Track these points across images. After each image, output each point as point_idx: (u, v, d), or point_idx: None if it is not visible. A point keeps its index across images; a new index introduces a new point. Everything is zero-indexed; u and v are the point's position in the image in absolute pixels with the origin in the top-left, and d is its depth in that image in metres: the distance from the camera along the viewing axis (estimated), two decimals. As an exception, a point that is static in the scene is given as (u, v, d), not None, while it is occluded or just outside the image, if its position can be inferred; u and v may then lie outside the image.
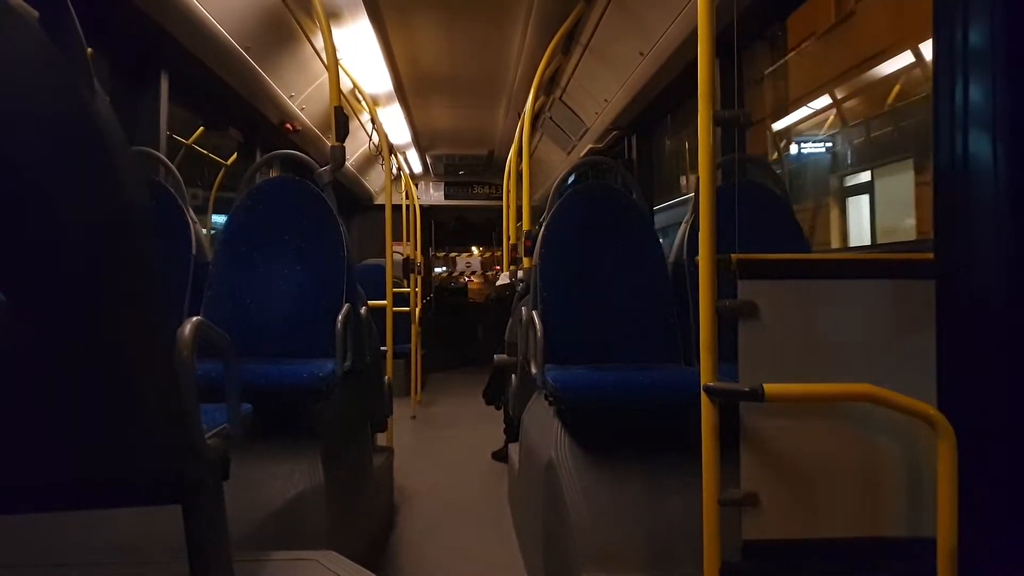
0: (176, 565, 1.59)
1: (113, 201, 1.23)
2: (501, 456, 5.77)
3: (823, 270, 1.87)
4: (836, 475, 1.80)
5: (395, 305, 5.54)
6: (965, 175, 1.66)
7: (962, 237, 1.69)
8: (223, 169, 6.11)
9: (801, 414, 1.79)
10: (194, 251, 3.35)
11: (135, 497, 1.53)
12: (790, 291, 1.80)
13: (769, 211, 3.28)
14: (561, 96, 6.23)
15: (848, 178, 8.27)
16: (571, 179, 4.16)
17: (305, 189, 3.34)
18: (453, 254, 15.37)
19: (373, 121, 6.58)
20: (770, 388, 1.62)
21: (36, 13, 1.14)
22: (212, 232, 5.35)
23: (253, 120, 5.33)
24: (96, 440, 1.37)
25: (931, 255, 1.76)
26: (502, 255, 8.89)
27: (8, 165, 1.14)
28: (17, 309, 1.06)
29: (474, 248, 15.48)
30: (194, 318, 1.47)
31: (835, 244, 7.97)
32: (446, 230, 14.39)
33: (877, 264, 1.91)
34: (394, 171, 7.38)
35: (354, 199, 9.96)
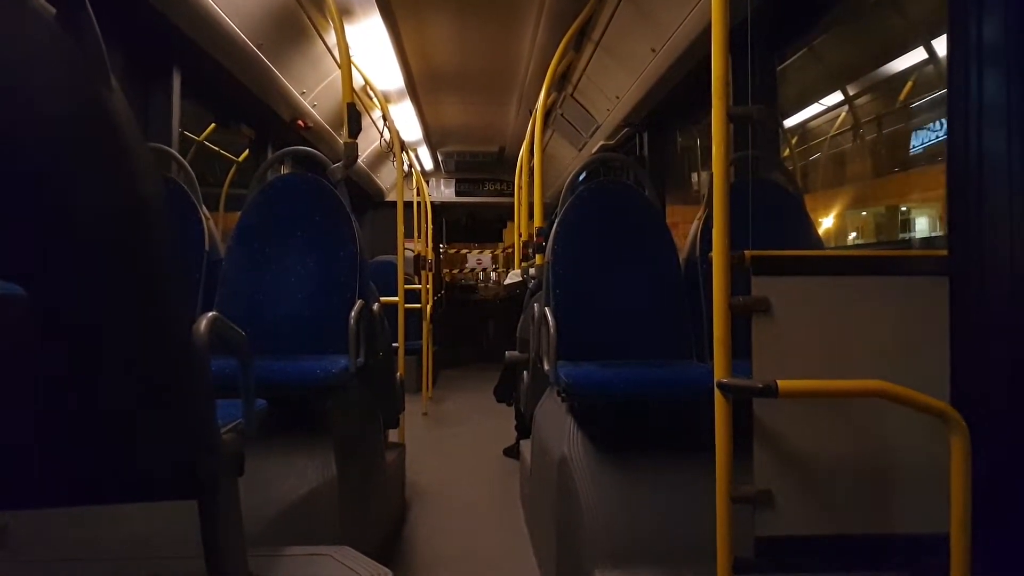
0: (192, 560, 1.60)
1: (130, 196, 1.24)
2: (512, 452, 5.78)
3: (837, 266, 1.87)
4: (849, 471, 1.80)
5: (406, 302, 5.55)
6: (979, 171, 1.66)
7: (976, 233, 1.69)
8: (235, 166, 6.12)
9: (814, 410, 1.78)
10: (207, 247, 3.36)
11: (151, 492, 1.54)
12: (803, 287, 1.80)
13: (782, 208, 3.28)
14: (573, 92, 6.22)
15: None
16: (582, 176, 4.15)
17: (318, 185, 3.35)
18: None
19: (385, 118, 6.59)
20: (784, 384, 1.62)
21: (54, 10, 1.15)
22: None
23: (265, 117, 5.34)
24: (112, 435, 1.38)
25: (945, 252, 1.75)
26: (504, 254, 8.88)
27: (26, 160, 1.15)
28: (36, 303, 1.07)
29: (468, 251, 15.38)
30: (210, 314, 1.48)
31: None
32: (457, 227, 14.39)
33: (891, 261, 1.91)
34: (405, 168, 7.39)
35: (366, 196, 9.97)
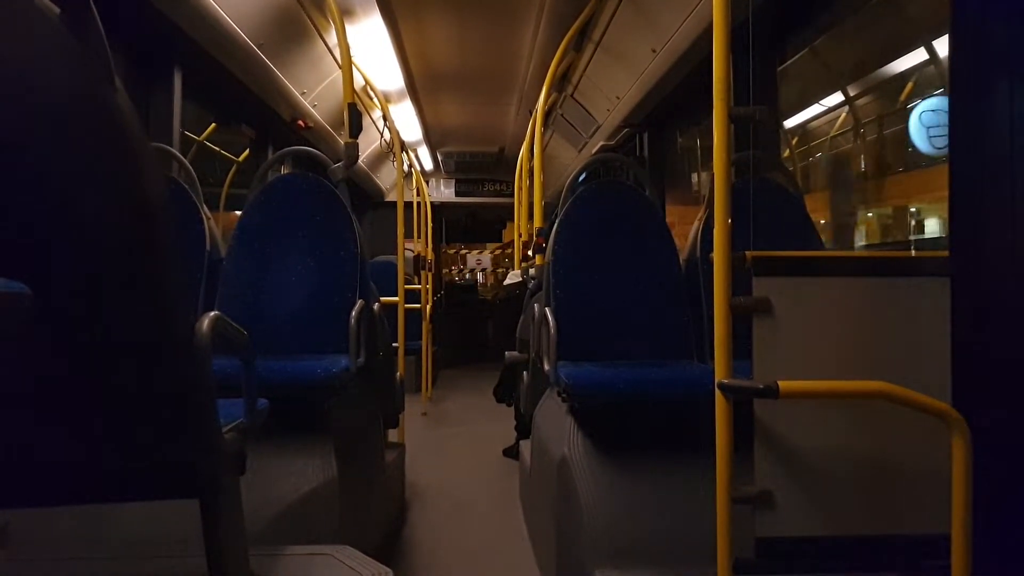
0: (194, 559, 1.60)
1: (134, 195, 1.24)
2: (512, 453, 5.78)
3: (838, 267, 1.87)
4: (850, 472, 1.80)
5: (406, 302, 5.54)
6: (981, 173, 1.66)
7: (977, 235, 1.69)
8: (235, 166, 6.13)
9: (815, 411, 1.78)
10: (208, 247, 3.36)
11: (153, 491, 1.54)
12: (805, 288, 1.80)
13: (783, 208, 3.28)
14: (573, 93, 6.22)
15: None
16: (582, 176, 4.16)
17: (318, 185, 3.35)
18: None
19: (385, 118, 6.58)
20: (784, 385, 1.62)
21: (58, 10, 1.15)
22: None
23: (266, 117, 5.34)
24: (114, 434, 1.39)
25: (946, 253, 1.75)
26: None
27: (31, 159, 1.16)
28: (40, 301, 1.07)
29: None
30: (212, 313, 1.48)
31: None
32: (457, 227, 14.39)
33: (892, 262, 1.91)
34: (405, 168, 7.39)
35: (365, 196, 9.97)
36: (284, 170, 5.36)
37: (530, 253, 4.96)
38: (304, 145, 4.38)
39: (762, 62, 3.86)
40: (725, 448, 1.72)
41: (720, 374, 1.72)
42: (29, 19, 1.12)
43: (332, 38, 4.98)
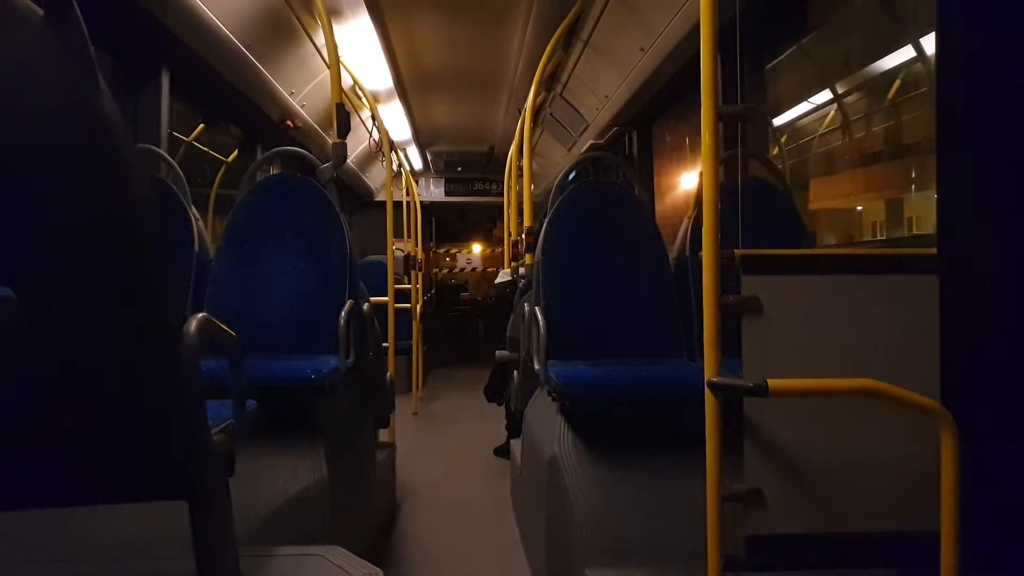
0: (183, 560, 1.60)
1: (120, 197, 1.24)
2: (503, 452, 5.78)
3: (826, 265, 1.87)
4: (839, 470, 1.80)
5: (396, 302, 5.53)
6: (969, 171, 1.66)
7: (965, 232, 1.69)
8: (224, 166, 6.10)
9: (805, 409, 1.79)
10: (196, 248, 3.35)
11: (142, 492, 1.53)
12: (793, 286, 1.80)
13: (772, 206, 3.28)
14: (562, 92, 6.22)
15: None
16: (572, 175, 4.16)
17: (307, 186, 3.34)
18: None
19: (374, 118, 6.58)
20: (774, 383, 1.62)
21: (41, 11, 1.15)
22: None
23: (254, 117, 5.33)
24: (103, 436, 1.38)
25: (934, 250, 1.76)
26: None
27: (16, 162, 1.15)
28: (26, 305, 1.06)
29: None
30: (200, 314, 1.47)
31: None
32: (447, 226, 14.39)
33: (880, 259, 1.91)
34: (395, 168, 7.38)
35: (355, 196, 9.96)
36: (273, 170, 5.34)
37: (520, 251, 4.95)
38: (292, 145, 4.36)
39: (751, 60, 3.87)
40: (715, 446, 1.72)
41: (710, 372, 1.72)
42: (11, 20, 1.12)
43: (320, 38, 4.97)
